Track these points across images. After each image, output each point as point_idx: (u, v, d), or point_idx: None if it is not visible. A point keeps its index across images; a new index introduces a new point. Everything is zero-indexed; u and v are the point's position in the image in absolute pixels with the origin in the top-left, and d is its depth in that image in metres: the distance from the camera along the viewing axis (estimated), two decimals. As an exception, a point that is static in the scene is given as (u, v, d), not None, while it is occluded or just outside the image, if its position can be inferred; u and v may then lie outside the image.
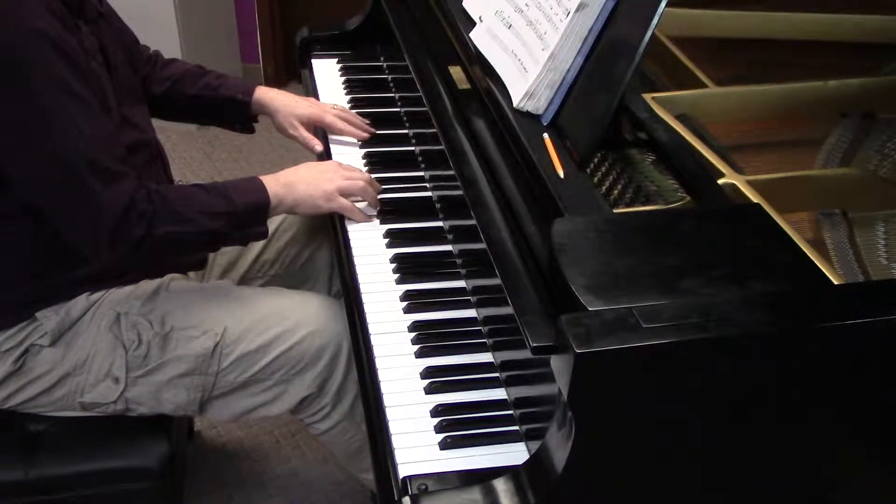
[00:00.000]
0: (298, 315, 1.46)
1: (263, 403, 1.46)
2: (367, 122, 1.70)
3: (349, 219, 1.48)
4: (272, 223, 1.67)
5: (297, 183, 1.43)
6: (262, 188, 1.39)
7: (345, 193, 1.46)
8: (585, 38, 1.18)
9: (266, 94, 1.67)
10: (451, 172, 1.30)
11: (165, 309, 1.42)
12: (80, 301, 1.40)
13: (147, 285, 1.45)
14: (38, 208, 1.28)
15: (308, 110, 1.66)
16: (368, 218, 1.49)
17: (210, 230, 1.34)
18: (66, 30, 1.24)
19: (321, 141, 1.67)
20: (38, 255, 1.36)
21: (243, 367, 1.43)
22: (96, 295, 1.41)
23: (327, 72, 1.93)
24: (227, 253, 1.66)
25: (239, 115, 1.69)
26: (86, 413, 1.43)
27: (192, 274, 1.59)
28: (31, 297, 1.38)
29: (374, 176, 1.59)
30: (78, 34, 1.28)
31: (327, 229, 1.68)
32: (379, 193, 1.51)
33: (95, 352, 1.40)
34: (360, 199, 1.49)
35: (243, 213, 1.37)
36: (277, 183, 1.42)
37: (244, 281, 1.67)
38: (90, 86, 1.27)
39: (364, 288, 1.36)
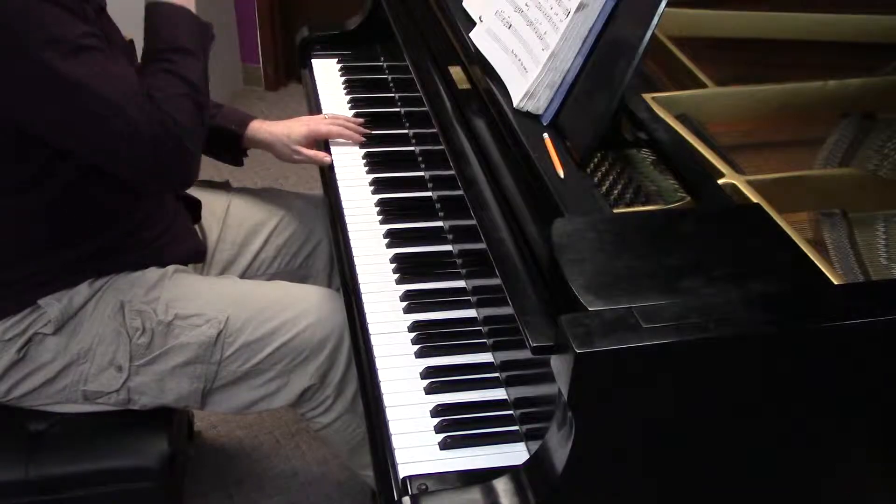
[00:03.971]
0: (301, 306, 1.47)
1: (266, 395, 1.47)
2: (362, 121, 1.72)
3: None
4: (271, 221, 1.69)
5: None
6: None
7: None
8: (585, 38, 1.17)
9: (260, 130, 1.67)
10: (451, 172, 1.30)
11: (169, 297, 1.43)
12: (83, 289, 1.40)
13: (150, 274, 1.45)
14: (86, 159, 1.29)
15: (303, 130, 1.68)
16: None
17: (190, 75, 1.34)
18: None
19: (324, 150, 1.68)
20: (37, 232, 1.36)
21: (246, 357, 1.43)
22: (99, 282, 1.42)
23: (327, 72, 1.93)
24: (226, 250, 1.67)
25: (230, 146, 1.69)
26: (88, 405, 1.43)
27: (192, 268, 1.59)
28: (33, 281, 1.38)
29: (373, 176, 1.60)
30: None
31: (326, 227, 1.68)
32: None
33: (99, 340, 1.40)
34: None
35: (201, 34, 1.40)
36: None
37: (244, 278, 1.67)
38: (103, 41, 1.27)
39: (364, 288, 1.36)
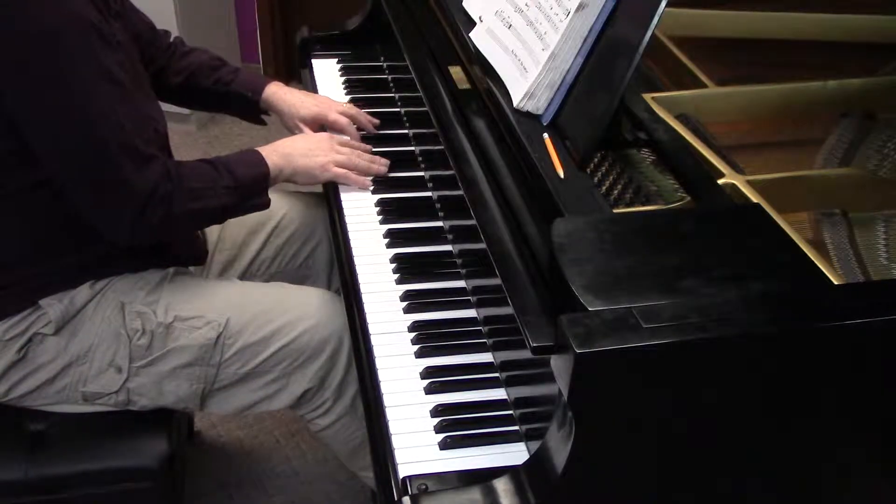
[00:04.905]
0: (300, 309, 1.47)
1: (265, 397, 1.47)
2: (378, 122, 1.70)
3: (345, 187, 1.55)
4: (270, 222, 1.69)
5: (294, 155, 1.50)
6: (262, 161, 1.46)
7: (338, 165, 1.53)
8: (585, 38, 1.17)
9: (275, 95, 1.68)
10: (451, 172, 1.30)
11: (169, 299, 1.43)
12: (84, 290, 1.40)
13: (151, 276, 1.45)
14: (65, 189, 1.30)
15: (312, 110, 1.67)
16: (364, 182, 1.55)
17: (221, 205, 1.40)
18: (102, 18, 1.27)
19: None
20: (41, 236, 1.37)
21: (245, 359, 1.43)
22: (100, 284, 1.42)
23: (327, 72, 1.93)
24: (225, 251, 1.67)
25: (248, 110, 1.73)
26: (87, 406, 1.43)
27: (192, 269, 1.59)
28: (34, 283, 1.38)
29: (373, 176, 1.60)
30: (109, 25, 1.30)
31: (326, 227, 1.68)
32: (380, 172, 1.58)
33: (99, 341, 1.40)
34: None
35: (247, 186, 1.43)
36: (276, 153, 1.48)
37: (244, 278, 1.68)
38: (124, 71, 1.30)
39: (364, 288, 1.36)
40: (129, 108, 1.29)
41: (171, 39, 1.69)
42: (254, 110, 1.72)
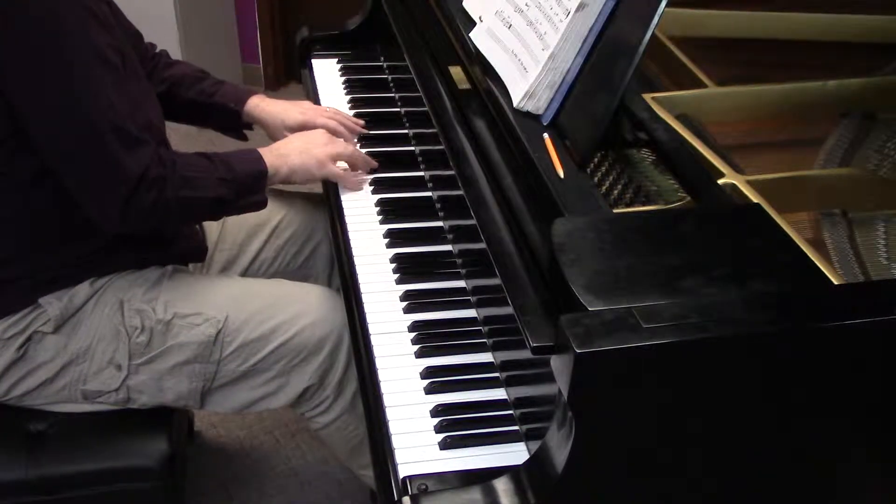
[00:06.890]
0: (300, 306, 1.47)
1: (265, 395, 1.47)
2: (363, 123, 1.70)
3: (342, 188, 1.55)
4: (271, 221, 1.69)
5: (290, 153, 1.50)
6: (260, 158, 1.46)
7: (335, 155, 1.54)
8: (585, 38, 1.18)
9: (257, 106, 1.66)
10: (451, 172, 1.30)
11: (168, 296, 1.43)
12: (84, 288, 1.40)
13: (150, 273, 1.45)
14: (56, 172, 1.30)
15: (299, 118, 1.65)
16: (360, 184, 1.56)
17: (215, 196, 1.39)
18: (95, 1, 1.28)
19: None
20: (41, 231, 1.37)
21: (245, 356, 1.43)
22: (99, 282, 1.42)
23: (327, 72, 1.93)
24: (225, 250, 1.67)
25: (231, 123, 1.69)
26: (87, 405, 1.44)
27: (192, 268, 1.59)
28: (33, 279, 1.38)
29: (373, 176, 1.60)
30: (101, 9, 1.31)
31: (326, 227, 1.68)
32: (372, 168, 1.59)
33: (98, 339, 1.41)
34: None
35: (243, 181, 1.42)
36: (272, 154, 1.48)
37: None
38: (118, 55, 1.30)
39: (364, 288, 1.36)
40: (121, 91, 1.28)
41: (157, 51, 1.67)
42: (236, 123, 1.69)
